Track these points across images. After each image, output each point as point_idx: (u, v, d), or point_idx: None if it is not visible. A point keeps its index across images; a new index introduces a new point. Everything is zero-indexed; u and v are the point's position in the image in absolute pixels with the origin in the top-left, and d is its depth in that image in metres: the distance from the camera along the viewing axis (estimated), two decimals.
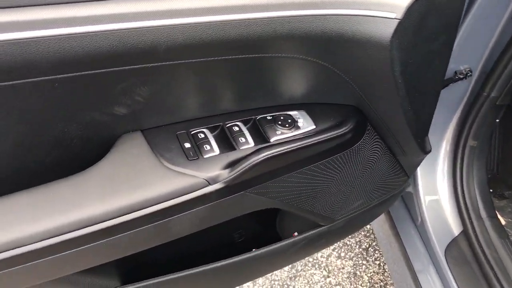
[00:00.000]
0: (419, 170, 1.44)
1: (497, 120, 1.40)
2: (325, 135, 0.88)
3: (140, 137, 0.81)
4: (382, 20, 0.77)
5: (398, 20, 0.76)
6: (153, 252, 1.04)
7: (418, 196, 1.44)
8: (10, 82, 0.63)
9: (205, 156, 0.81)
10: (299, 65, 0.83)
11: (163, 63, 0.71)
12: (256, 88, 0.85)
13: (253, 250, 1.06)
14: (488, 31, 1.18)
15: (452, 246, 1.38)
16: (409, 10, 0.77)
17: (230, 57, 0.75)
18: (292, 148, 0.85)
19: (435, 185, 1.44)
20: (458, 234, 1.39)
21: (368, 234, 1.99)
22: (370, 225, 1.93)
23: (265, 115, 0.88)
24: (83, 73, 0.66)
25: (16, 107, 0.67)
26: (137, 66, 0.70)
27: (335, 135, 0.89)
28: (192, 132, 0.83)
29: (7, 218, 0.68)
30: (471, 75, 1.24)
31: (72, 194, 0.72)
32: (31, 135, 0.71)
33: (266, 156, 0.82)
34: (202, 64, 0.75)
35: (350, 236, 1.97)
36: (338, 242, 1.95)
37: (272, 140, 0.85)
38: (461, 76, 1.23)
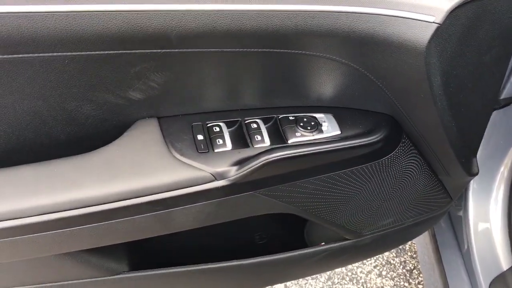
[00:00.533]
0: (471, 194, 1.33)
1: None
2: (350, 142, 0.82)
3: (155, 124, 0.80)
4: (418, 23, 0.70)
5: (437, 25, 0.69)
6: (166, 242, 1.04)
7: (467, 221, 1.33)
8: (20, 55, 0.63)
9: (215, 150, 0.78)
10: (326, 65, 0.77)
11: (176, 50, 0.69)
12: (279, 85, 0.81)
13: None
14: None
15: (498, 281, 1.26)
16: (453, 15, 0.69)
17: (248, 49, 0.72)
18: (309, 152, 0.80)
19: (487, 212, 1.32)
20: (507, 269, 1.26)
21: (415, 256, 1.87)
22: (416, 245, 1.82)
23: (287, 115, 0.84)
24: (93, 52, 0.66)
25: (28, 81, 0.67)
26: (148, 51, 0.68)
27: (361, 144, 0.83)
28: (208, 125, 0.81)
29: (6, 190, 0.70)
30: None
31: (74, 173, 0.72)
32: (44, 110, 0.72)
33: (278, 157, 0.77)
34: (219, 54, 0.72)
35: (394, 255, 1.87)
36: (381, 260, 1.86)
37: (289, 141, 0.81)
38: None
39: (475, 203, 1.33)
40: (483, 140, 1.30)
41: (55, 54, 0.65)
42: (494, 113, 1.29)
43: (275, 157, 0.77)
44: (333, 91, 0.83)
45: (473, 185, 1.33)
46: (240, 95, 0.81)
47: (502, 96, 1.19)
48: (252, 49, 0.72)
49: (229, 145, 0.79)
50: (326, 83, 0.81)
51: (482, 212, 1.32)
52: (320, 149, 0.80)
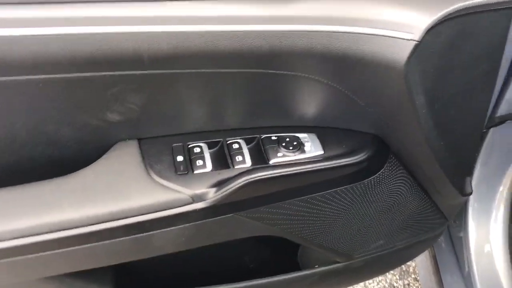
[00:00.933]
0: (470, 214, 1.30)
1: None
2: (333, 162, 0.81)
3: (135, 145, 0.79)
4: (396, 41, 0.69)
5: (415, 42, 0.68)
6: (152, 266, 1.02)
7: (468, 242, 1.30)
8: None
9: (195, 172, 0.77)
10: (306, 84, 0.77)
11: (151, 71, 0.69)
12: (261, 105, 0.80)
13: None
14: None
15: None
16: (432, 32, 0.68)
17: (224, 70, 0.71)
18: (291, 172, 0.78)
19: (487, 233, 1.29)
20: None
21: (418, 278, 1.82)
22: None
23: (270, 135, 0.83)
24: (66, 75, 0.66)
25: (3, 104, 0.67)
26: (123, 73, 0.68)
27: (344, 164, 0.81)
28: (189, 146, 0.80)
29: None
30: None
31: (50, 196, 0.72)
32: (23, 133, 0.72)
33: (258, 178, 0.76)
34: (195, 75, 0.71)
35: (398, 278, 1.83)
36: (384, 283, 1.81)
37: (271, 161, 0.79)
38: None
39: (475, 223, 1.29)
40: (482, 158, 1.27)
41: (28, 77, 0.65)
42: (493, 131, 1.26)
43: (254, 177, 0.76)
44: (315, 110, 0.82)
45: (474, 204, 1.30)
46: (221, 116, 0.81)
47: (498, 114, 1.17)
48: (229, 70, 0.72)
49: (209, 166, 0.78)
50: (308, 103, 0.80)
51: (483, 233, 1.29)
52: (301, 169, 0.79)
